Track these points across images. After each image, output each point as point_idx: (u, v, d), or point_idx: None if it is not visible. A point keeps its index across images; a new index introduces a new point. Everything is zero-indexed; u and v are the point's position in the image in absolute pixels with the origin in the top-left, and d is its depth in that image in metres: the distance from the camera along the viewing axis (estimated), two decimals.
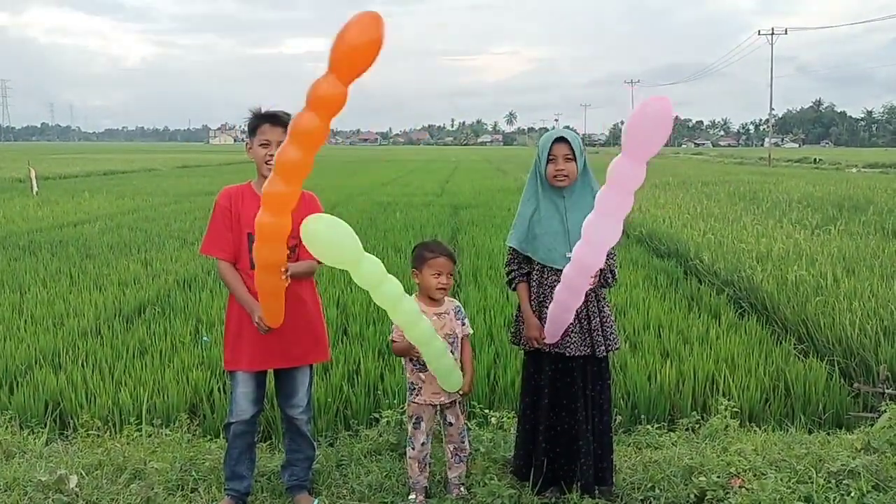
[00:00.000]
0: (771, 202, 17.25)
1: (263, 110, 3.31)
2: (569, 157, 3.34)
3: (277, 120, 3.26)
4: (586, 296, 3.39)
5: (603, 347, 3.43)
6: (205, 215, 13.98)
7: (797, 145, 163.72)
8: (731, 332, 6.46)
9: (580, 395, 3.45)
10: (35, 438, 4.41)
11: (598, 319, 3.42)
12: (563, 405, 3.47)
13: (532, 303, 3.50)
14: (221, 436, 4.12)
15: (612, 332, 3.48)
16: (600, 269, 3.34)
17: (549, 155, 3.39)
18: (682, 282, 8.82)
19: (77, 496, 3.13)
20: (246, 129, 3.37)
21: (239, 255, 3.35)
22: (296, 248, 3.37)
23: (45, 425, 4.67)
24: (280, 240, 2.94)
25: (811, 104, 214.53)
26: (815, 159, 53.20)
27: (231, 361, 3.39)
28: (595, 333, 3.41)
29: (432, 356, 3.23)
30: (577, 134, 3.54)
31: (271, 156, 3.21)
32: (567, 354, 3.42)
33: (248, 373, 3.36)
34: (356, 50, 2.62)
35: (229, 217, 3.34)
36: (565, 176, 3.36)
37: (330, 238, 2.90)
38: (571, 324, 3.37)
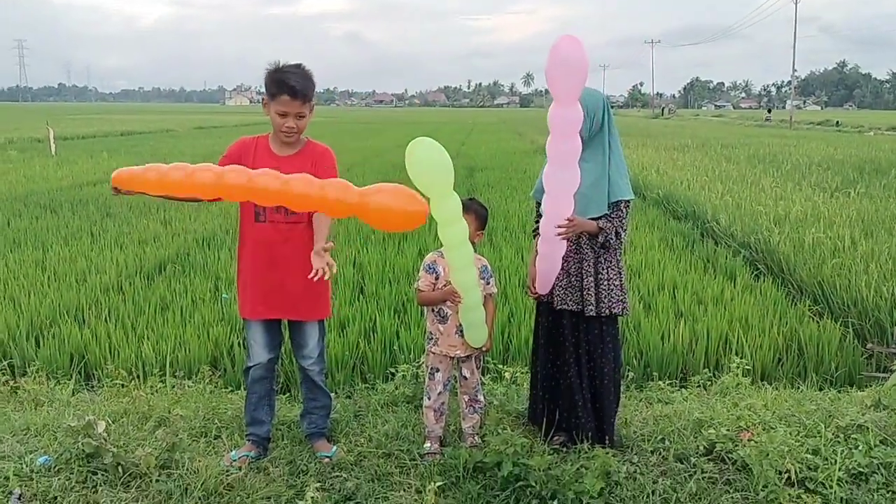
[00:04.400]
0: (791, 165, 17.07)
1: (282, 64, 3.21)
2: None
3: (296, 93, 3.16)
4: (583, 254, 3.42)
5: (592, 308, 3.39)
6: None
7: (819, 108, 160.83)
8: (746, 294, 6.48)
9: (573, 351, 3.48)
10: (62, 389, 4.55)
11: (591, 279, 3.39)
12: (560, 358, 3.54)
13: (536, 254, 3.56)
14: (242, 386, 4.24)
15: (609, 296, 3.40)
16: (600, 229, 3.36)
17: None
18: (698, 244, 8.82)
19: (105, 440, 3.24)
20: (263, 89, 3.27)
21: (248, 208, 3.34)
22: None
23: (71, 377, 4.81)
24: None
25: (835, 66, 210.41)
26: (823, 122, 52.00)
27: (240, 307, 3.50)
28: (585, 293, 3.40)
29: (469, 305, 3.29)
30: (597, 92, 3.45)
31: (289, 127, 3.21)
32: (553, 306, 3.48)
33: (258, 319, 3.44)
34: None
35: (235, 163, 3.26)
36: None
37: (435, 161, 2.93)
38: (560, 277, 3.43)
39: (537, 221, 3.68)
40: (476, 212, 3.41)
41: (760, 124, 55.12)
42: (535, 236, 3.71)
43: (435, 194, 3.01)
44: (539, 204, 3.64)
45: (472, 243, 3.33)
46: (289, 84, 3.14)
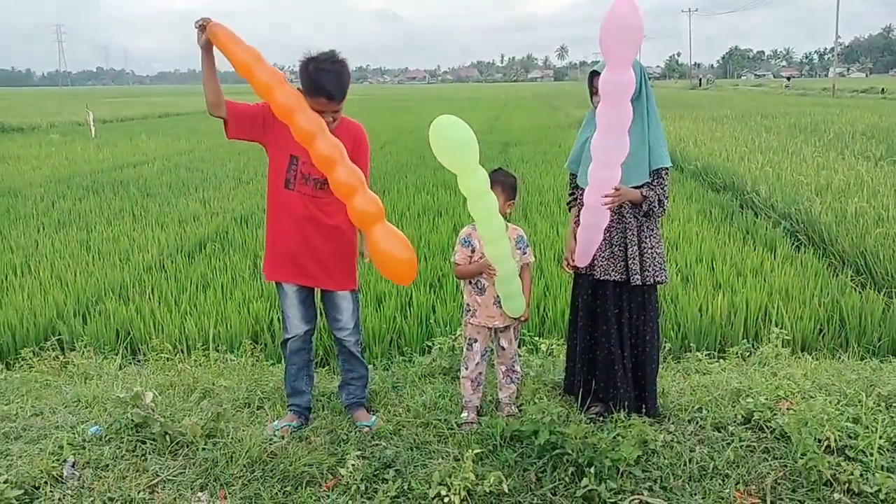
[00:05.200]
0: (833, 134, 16.67)
1: (316, 54, 3.18)
2: None
3: (333, 97, 3.19)
4: (626, 223, 3.40)
5: (638, 276, 3.40)
6: (259, 155, 14.23)
7: (864, 75, 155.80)
8: (787, 265, 6.39)
9: (614, 321, 3.48)
10: (109, 363, 4.70)
11: (635, 248, 3.40)
12: (599, 329, 3.53)
13: (574, 227, 3.56)
14: (281, 359, 4.33)
15: (652, 264, 3.42)
16: (644, 198, 3.34)
17: (591, 88, 3.40)
18: (737, 215, 8.70)
19: (153, 411, 3.35)
20: (299, 75, 3.22)
21: (278, 174, 3.37)
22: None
23: (118, 352, 4.96)
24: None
25: (881, 31, 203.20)
26: (882, 89, 51.21)
27: (265, 270, 3.54)
28: (631, 262, 3.39)
29: (503, 277, 3.31)
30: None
31: (325, 121, 3.23)
32: (595, 277, 3.46)
33: (292, 288, 3.47)
34: None
35: (267, 116, 3.27)
36: None
37: (458, 137, 2.97)
38: (602, 248, 3.41)
39: (572, 194, 3.68)
40: (502, 183, 3.38)
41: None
42: (570, 208, 3.70)
43: (461, 170, 3.03)
44: (574, 175, 3.63)
45: (505, 214, 3.34)
46: (326, 89, 3.16)
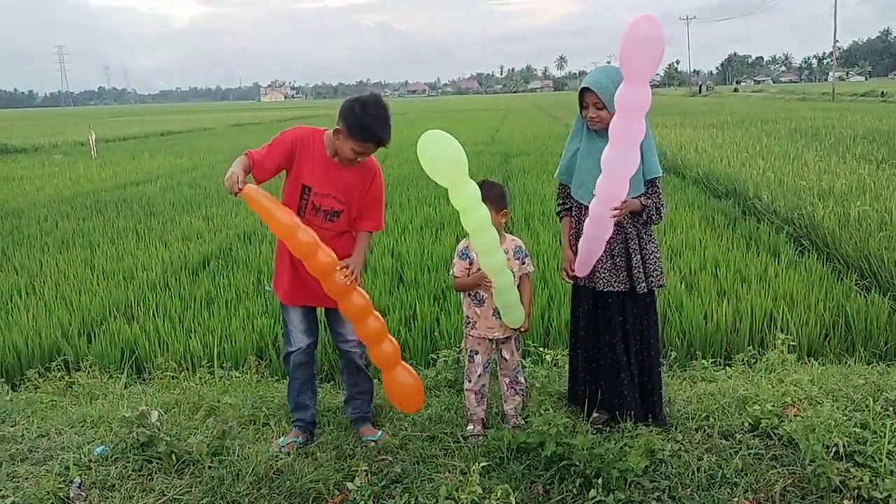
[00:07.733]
0: (834, 138, 16.64)
1: (364, 100, 3.23)
2: (598, 105, 3.32)
3: (383, 143, 3.26)
4: (627, 233, 3.42)
5: (644, 284, 3.42)
6: None
7: (864, 78, 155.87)
8: (791, 270, 6.37)
9: (618, 330, 3.49)
10: (115, 382, 4.70)
11: (638, 257, 3.42)
12: (602, 339, 3.53)
13: (571, 237, 3.56)
14: (284, 371, 4.32)
15: (654, 269, 3.45)
16: (644, 207, 3.36)
17: (582, 102, 3.41)
18: (740, 221, 8.69)
19: (159, 430, 3.35)
20: (343, 116, 3.23)
21: (290, 202, 3.38)
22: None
23: (123, 371, 4.96)
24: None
25: (879, 34, 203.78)
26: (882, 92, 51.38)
27: (278, 291, 3.55)
28: (635, 270, 3.41)
29: (500, 288, 3.30)
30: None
31: (360, 161, 3.33)
32: (598, 289, 3.46)
33: (295, 305, 3.49)
34: None
35: (289, 154, 3.31)
36: (597, 122, 3.37)
37: (446, 152, 2.98)
38: (604, 259, 3.41)
39: (562, 203, 3.68)
40: (489, 195, 3.31)
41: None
42: (561, 218, 3.71)
43: (450, 184, 3.03)
44: (563, 185, 3.64)
45: (499, 225, 3.34)
46: (377, 136, 3.23)
